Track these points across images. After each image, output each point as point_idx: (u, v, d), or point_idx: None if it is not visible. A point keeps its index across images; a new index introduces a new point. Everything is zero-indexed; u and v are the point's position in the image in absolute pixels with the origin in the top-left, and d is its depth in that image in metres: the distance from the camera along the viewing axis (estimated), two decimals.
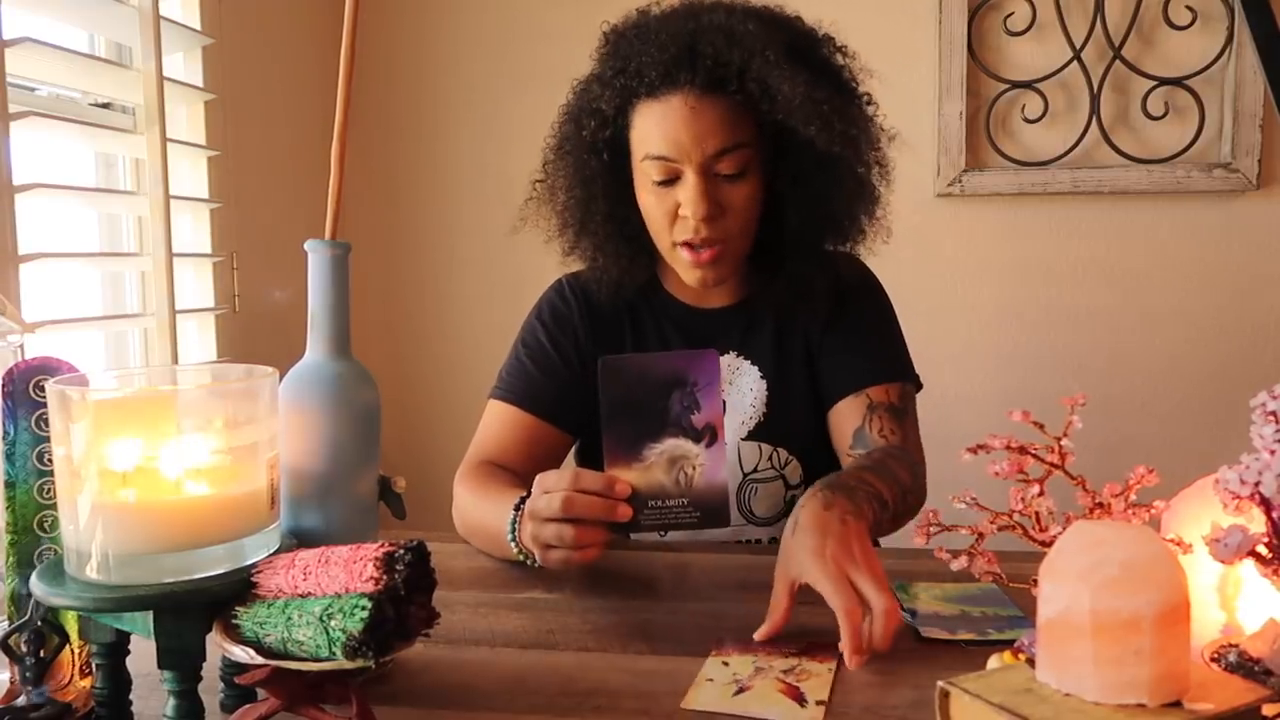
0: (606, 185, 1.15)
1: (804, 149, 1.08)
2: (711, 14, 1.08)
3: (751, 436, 1.20)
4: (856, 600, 0.80)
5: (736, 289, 1.24)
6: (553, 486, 0.91)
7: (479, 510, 1.10)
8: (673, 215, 1.11)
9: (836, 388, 1.20)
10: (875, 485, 0.97)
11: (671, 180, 1.09)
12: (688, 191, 1.08)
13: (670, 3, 1.14)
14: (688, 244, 1.11)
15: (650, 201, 1.12)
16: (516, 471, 1.18)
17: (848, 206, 1.14)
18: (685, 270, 1.15)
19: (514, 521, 0.98)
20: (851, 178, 1.12)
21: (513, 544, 0.98)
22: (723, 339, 1.23)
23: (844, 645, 0.79)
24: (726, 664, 0.82)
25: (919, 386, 1.24)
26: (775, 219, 1.15)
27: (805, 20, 1.15)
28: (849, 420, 1.17)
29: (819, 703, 0.74)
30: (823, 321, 1.22)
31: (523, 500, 0.99)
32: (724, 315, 1.24)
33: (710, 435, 0.89)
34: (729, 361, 1.22)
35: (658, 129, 1.08)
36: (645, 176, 1.11)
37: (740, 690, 0.77)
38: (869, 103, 1.16)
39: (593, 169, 1.14)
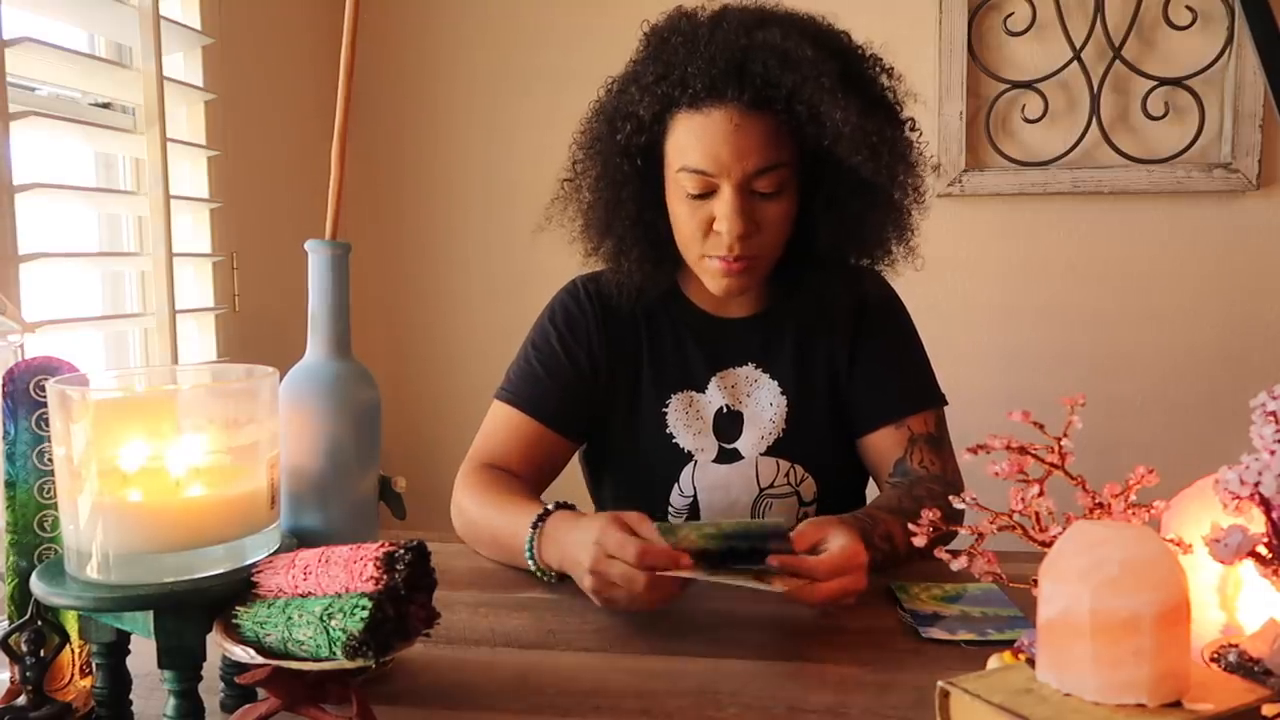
0: (636, 190, 1.13)
1: (843, 172, 1.07)
2: (765, 31, 1.05)
3: (770, 452, 1.20)
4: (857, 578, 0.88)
5: (757, 299, 1.23)
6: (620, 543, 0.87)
7: (488, 520, 1.09)
8: (705, 228, 1.10)
9: (873, 416, 1.20)
10: (889, 527, 1.03)
11: (707, 194, 1.08)
12: (724, 208, 1.07)
13: (713, 8, 1.12)
14: (719, 256, 1.11)
15: (683, 212, 1.11)
16: (519, 476, 1.18)
17: (879, 230, 1.14)
18: (712, 279, 1.14)
19: (531, 540, 0.99)
20: (887, 204, 1.11)
21: (531, 561, 1.00)
22: (742, 349, 1.22)
23: (798, 582, 0.85)
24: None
25: (945, 402, 1.23)
26: (804, 235, 1.14)
27: (849, 37, 1.13)
28: (890, 451, 1.18)
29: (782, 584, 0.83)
30: (847, 340, 1.22)
31: (539, 518, 1.00)
32: (744, 325, 1.23)
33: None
34: (747, 373, 1.22)
35: (698, 142, 1.06)
36: (679, 187, 1.09)
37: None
38: (912, 129, 1.15)
39: (623, 173, 1.12)
